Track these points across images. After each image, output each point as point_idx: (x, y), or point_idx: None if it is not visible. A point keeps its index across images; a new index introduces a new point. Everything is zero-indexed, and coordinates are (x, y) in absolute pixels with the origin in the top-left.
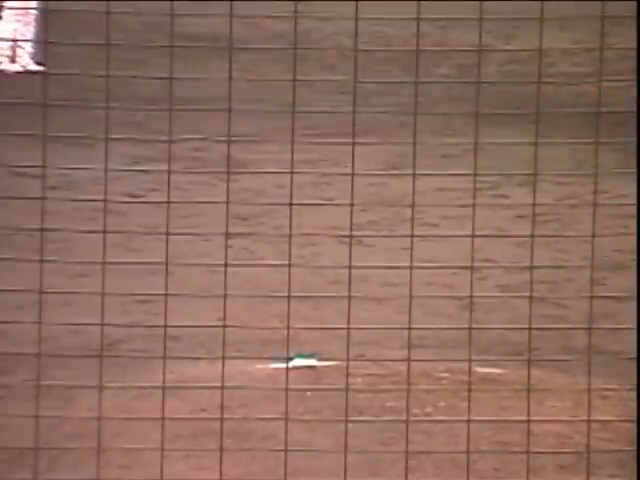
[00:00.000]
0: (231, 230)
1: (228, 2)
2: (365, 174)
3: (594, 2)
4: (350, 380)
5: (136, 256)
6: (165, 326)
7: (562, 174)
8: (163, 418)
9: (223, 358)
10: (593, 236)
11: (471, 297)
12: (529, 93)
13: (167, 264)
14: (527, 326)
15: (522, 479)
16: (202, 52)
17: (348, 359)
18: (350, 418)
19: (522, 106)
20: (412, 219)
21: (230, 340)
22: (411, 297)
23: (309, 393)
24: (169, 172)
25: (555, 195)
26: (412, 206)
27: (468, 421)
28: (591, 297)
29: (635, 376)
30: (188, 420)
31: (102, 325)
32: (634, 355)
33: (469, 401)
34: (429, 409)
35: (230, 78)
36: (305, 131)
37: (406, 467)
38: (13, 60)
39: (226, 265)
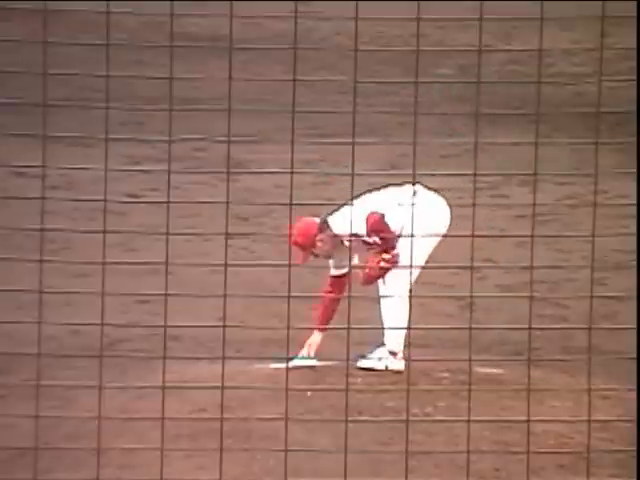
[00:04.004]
0: (231, 230)
1: (228, 2)
2: (365, 174)
3: (594, 2)
4: (350, 380)
5: (136, 256)
6: (165, 326)
7: (562, 174)
8: (163, 418)
9: (223, 358)
10: (593, 236)
11: (471, 297)
12: (529, 93)
13: (167, 264)
14: (527, 326)
15: (522, 479)
16: (202, 52)
17: (348, 359)
18: (350, 418)
19: (522, 106)
20: (412, 219)
21: (230, 340)
22: (411, 297)
23: (309, 393)
24: (169, 172)
25: (555, 195)
26: (412, 206)
27: (468, 421)
28: (591, 297)
29: (635, 376)
30: (188, 420)
31: (102, 325)
32: (634, 355)
33: (469, 401)
34: (429, 409)
35: (230, 78)
36: (305, 131)
37: (406, 467)
38: None
39: (226, 265)
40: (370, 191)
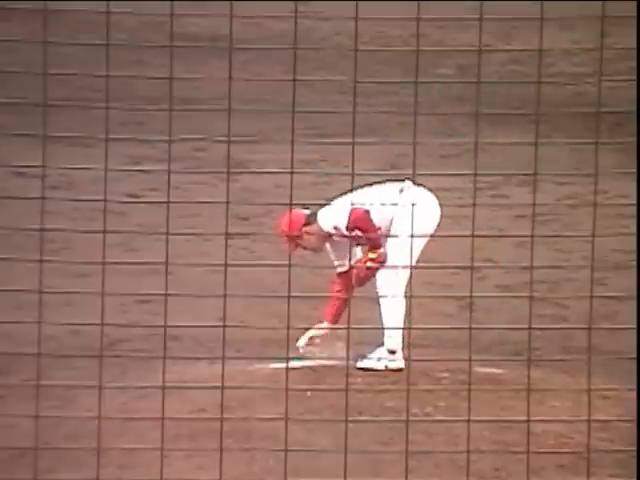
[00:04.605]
0: (231, 230)
1: (228, 2)
2: (365, 174)
3: (594, 2)
4: (350, 380)
5: (136, 256)
6: (165, 326)
7: (562, 174)
8: (163, 418)
9: (223, 358)
10: (593, 236)
11: (471, 297)
12: (529, 93)
13: (167, 264)
14: (527, 326)
15: (522, 479)
16: (202, 52)
17: (348, 359)
18: (350, 418)
19: (522, 106)
20: (412, 219)
21: (230, 340)
22: (411, 297)
23: (309, 393)
24: (169, 172)
25: (555, 195)
26: (412, 205)
27: (468, 421)
28: (591, 297)
29: (635, 376)
30: (188, 420)
31: (102, 325)
32: (634, 355)
33: (469, 401)
34: (429, 409)
35: (230, 78)
36: (305, 131)
37: (406, 467)
38: None
39: (226, 265)
40: (361, 187)
